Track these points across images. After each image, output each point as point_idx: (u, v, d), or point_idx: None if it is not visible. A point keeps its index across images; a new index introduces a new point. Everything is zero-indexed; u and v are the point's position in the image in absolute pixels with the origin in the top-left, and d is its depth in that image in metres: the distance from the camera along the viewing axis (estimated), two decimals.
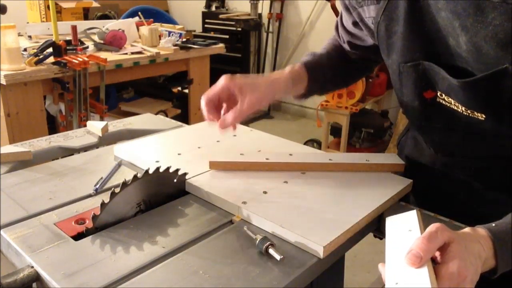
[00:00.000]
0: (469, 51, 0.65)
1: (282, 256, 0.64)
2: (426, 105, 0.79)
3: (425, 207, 0.85)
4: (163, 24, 3.13)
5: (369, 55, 0.95)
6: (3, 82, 1.94)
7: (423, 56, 0.74)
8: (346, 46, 0.98)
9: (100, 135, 1.14)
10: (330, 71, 0.99)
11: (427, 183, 0.91)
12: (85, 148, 1.09)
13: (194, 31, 4.42)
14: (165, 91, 3.22)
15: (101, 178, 0.88)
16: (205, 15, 4.76)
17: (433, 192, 0.92)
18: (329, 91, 1.07)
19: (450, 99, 0.74)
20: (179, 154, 0.98)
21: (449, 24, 0.66)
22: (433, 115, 0.80)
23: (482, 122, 0.72)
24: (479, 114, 0.71)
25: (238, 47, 4.48)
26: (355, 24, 0.89)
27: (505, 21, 0.59)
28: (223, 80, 0.83)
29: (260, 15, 4.51)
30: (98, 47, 2.51)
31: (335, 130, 3.28)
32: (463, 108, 0.72)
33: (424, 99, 0.78)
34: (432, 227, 0.58)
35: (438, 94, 0.75)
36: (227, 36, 4.48)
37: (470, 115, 0.72)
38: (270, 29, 4.60)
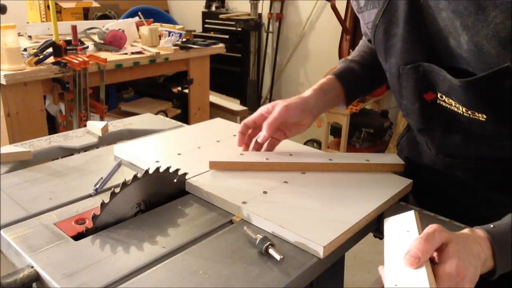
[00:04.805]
0: (470, 51, 0.65)
1: (282, 256, 0.64)
2: (426, 107, 0.78)
3: (424, 208, 0.85)
4: (163, 24, 3.13)
5: None
6: (3, 82, 1.94)
7: (423, 58, 0.73)
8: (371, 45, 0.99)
9: (100, 135, 1.14)
10: (363, 76, 1.01)
11: (427, 184, 0.91)
12: (85, 148, 1.09)
13: (194, 31, 4.42)
14: (165, 91, 3.21)
15: (101, 178, 0.88)
16: (205, 15, 4.76)
17: (432, 193, 0.91)
18: (362, 96, 1.12)
19: (450, 100, 0.73)
20: (179, 154, 0.98)
21: (450, 24, 0.66)
22: (433, 117, 0.80)
23: (483, 123, 0.71)
24: (480, 115, 0.71)
25: (238, 47, 4.48)
26: None
27: (506, 19, 0.59)
28: (260, 109, 0.95)
29: (260, 15, 4.51)
30: (98, 47, 2.51)
31: (335, 130, 3.28)
32: (464, 110, 0.72)
33: (424, 101, 0.78)
34: (430, 228, 0.58)
35: (439, 95, 0.75)
36: (227, 36, 4.48)
37: (471, 116, 0.72)
38: (270, 29, 4.60)
